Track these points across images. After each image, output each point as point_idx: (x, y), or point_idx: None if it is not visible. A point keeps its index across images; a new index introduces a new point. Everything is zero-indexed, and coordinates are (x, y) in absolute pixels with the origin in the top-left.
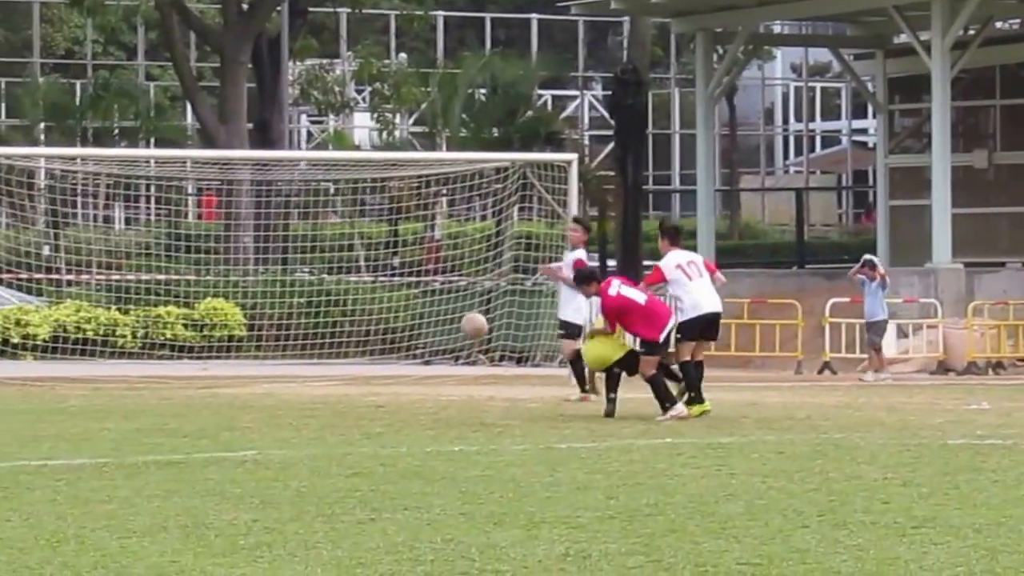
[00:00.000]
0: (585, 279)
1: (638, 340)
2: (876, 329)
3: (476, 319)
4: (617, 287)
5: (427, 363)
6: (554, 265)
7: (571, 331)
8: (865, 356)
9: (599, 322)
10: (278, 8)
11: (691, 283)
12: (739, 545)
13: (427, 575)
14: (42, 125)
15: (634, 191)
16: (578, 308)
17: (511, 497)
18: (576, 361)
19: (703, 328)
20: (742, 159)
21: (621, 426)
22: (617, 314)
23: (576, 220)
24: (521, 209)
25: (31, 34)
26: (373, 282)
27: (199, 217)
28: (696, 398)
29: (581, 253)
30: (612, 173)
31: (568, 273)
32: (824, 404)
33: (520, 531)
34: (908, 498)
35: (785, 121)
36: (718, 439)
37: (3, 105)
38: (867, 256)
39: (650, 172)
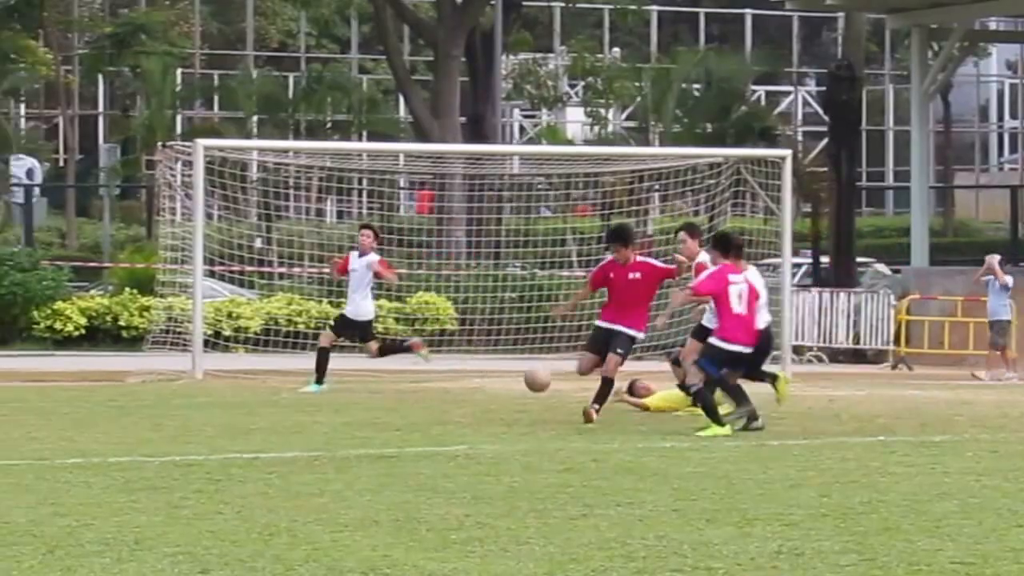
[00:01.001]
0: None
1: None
2: (998, 329)
3: (537, 377)
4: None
5: (639, 359)
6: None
7: (355, 329)
8: None
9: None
10: (492, 2)
11: None
12: (953, 544)
13: (639, 572)
14: (255, 118)
15: (848, 187)
16: (369, 310)
17: (723, 494)
18: (324, 351)
19: None
20: (956, 156)
21: (833, 424)
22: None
23: (366, 226)
24: (734, 205)
25: (244, 27)
26: (584, 277)
27: (415, 211)
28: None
29: (375, 256)
30: (825, 169)
31: (369, 277)
32: None
33: (732, 528)
34: None
35: (1000, 118)
36: (931, 437)
37: (216, 98)
38: (989, 257)
39: (863, 168)
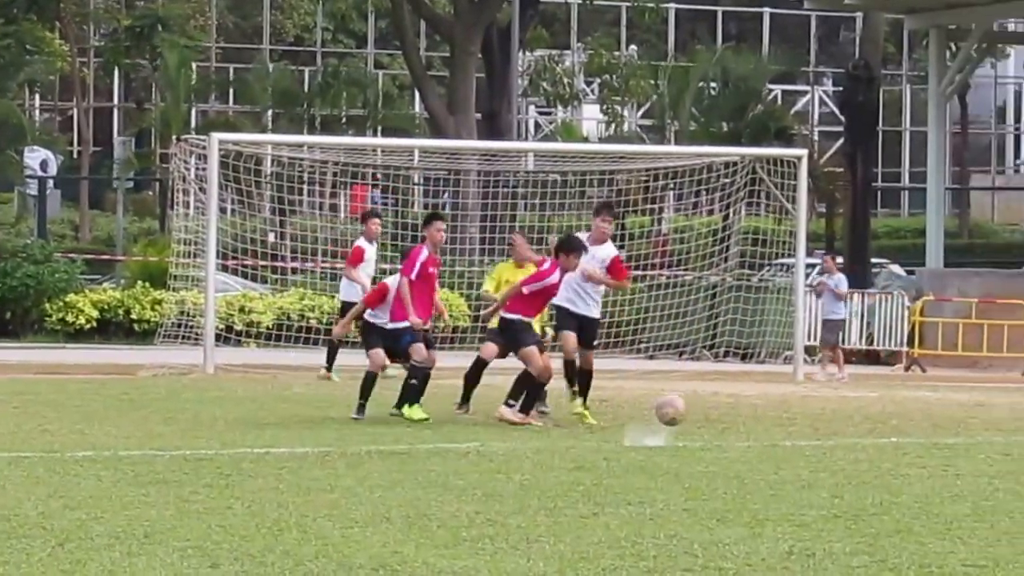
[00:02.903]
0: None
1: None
2: (830, 327)
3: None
4: None
5: (651, 358)
6: None
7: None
8: None
9: None
10: None
11: None
12: (965, 547)
13: (650, 571)
14: (270, 112)
15: (863, 188)
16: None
17: (735, 494)
18: None
19: None
20: (973, 157)
21: (846, 425)
22: None
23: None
24: (749, 204)
25: (261, 21)
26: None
27: (349, 208)
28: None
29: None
30: (841, 169)
31: None
32: None
33: (744, 529)
34: None
35: (1017, 120)
36: (944, 439)
37: (231, 92)
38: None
39: (879, 169)
